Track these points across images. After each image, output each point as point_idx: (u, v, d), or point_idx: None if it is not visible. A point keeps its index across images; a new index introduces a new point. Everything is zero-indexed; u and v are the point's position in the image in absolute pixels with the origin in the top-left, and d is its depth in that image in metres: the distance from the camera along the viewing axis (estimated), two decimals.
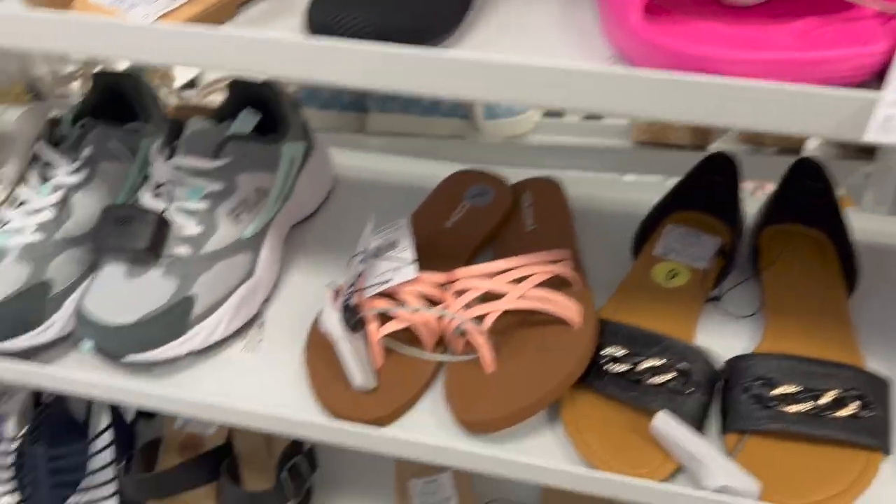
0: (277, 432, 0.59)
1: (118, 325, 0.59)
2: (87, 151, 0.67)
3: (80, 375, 0.60)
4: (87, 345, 0.59)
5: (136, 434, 0.92)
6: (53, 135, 0.68)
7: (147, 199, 0.64)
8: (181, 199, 0.64)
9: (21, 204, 0.65)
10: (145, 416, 0.95)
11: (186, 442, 0.90)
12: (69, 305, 0.63)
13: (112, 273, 0.62)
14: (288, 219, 0.73)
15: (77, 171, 0.66)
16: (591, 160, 1.23)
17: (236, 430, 0.90)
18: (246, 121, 0.67)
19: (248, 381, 0.62)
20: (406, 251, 0.63)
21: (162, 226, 0.61)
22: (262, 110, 0.69)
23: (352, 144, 0.97)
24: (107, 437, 0.86)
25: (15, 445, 0.86)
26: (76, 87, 1.26)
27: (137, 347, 0.59)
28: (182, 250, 0.62)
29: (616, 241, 0.71)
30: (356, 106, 1.16)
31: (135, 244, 0.60)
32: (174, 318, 0.60)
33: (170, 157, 0.66)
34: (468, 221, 0.72)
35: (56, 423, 0.87)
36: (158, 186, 0.65)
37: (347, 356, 0.58)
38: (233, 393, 0.61)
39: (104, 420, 0.88)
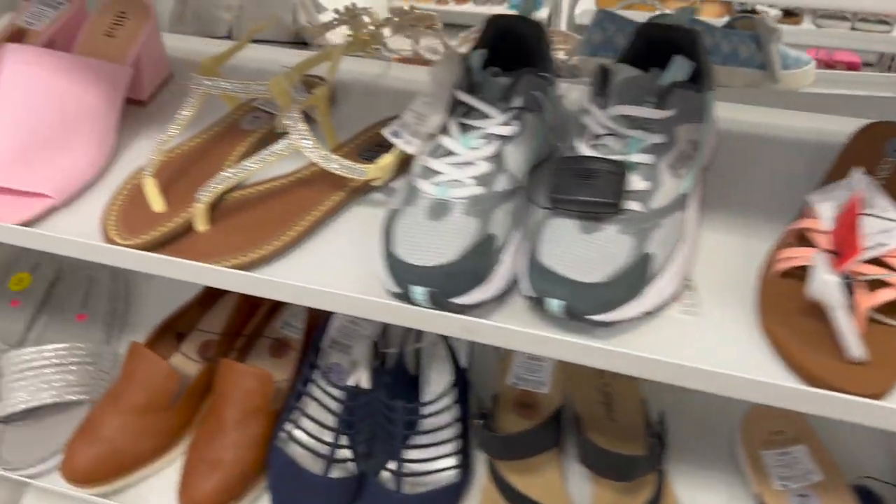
0: (762, 401, 0.55)
1: (589, 283, 0.55)
2: (517, 102, 0.63)
3: (542, 333, 0.58)
4: (557, 304, 0.56)
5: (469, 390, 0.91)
6: (469, 81, 0.66)
7: (584, 152, 0.61)
8: (621, 151, 0.60)
9: (447, 154, 0.63)
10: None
11: (521, 399, 0.88)
12: (507, 260, 0.61)
13: (564, 228, 0.58)
14: None
15: (510, 122, 0.63)
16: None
17: (575, 392, 0.87)
18: (680, 69, 0.62)
19: (699, 344, 0.58)
20: (890, 211, 0.57)
21: (622, 179, 0.58)
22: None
23: None
24: (453, 395, 0.85)
25: (351, 397, 0.86)
26: (338, 33, 1.25)
27: (603, 307, 0.56)
28: (635, 205, 0.58)
29: None
30: None
31: (603, 198, 0.57)
32: (636, 278, 0.57)
33: (602, 107, 0.62)
34: None
35: (396, 376, 0.87)
36: (596, 137, 0.62)
37: (847, 326, 0.53)
38: (689, 356, 0.57)
39: (446, 377, 0.87)
